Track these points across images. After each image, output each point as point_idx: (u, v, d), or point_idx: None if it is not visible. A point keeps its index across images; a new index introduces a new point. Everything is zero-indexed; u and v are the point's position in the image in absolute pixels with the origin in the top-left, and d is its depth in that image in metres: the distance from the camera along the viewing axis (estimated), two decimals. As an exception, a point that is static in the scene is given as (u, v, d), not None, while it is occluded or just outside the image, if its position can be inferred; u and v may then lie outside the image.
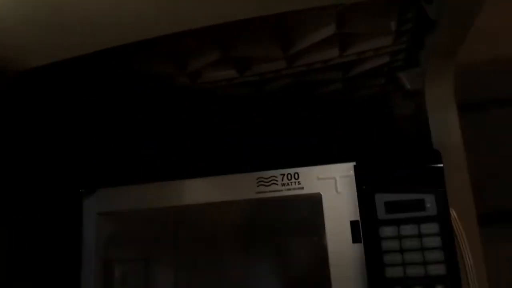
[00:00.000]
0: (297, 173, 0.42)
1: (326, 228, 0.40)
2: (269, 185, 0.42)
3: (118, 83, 0.46)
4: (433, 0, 0.32)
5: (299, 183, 0.42)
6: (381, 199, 0.38)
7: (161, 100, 0.50)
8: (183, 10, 0.28)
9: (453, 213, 0.37)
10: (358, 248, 0.39)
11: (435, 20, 0.34)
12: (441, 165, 0.38)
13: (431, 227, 0.37)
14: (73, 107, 0.45)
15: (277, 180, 0.42)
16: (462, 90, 0.44)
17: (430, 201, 0.37)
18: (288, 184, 0.42)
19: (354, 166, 0.41)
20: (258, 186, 0.43)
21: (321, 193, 0.41)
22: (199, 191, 0.44)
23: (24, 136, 0.42)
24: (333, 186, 0.41)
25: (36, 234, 0.44)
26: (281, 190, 0.42)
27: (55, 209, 0.46)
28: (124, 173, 0.49)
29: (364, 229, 0.38)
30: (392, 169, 0.39)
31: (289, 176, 0.42)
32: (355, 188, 0.40)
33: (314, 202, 0.41)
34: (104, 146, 0.49)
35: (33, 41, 0.28)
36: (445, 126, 0.41)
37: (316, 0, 0.28)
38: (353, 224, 0.39)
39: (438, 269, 0.36)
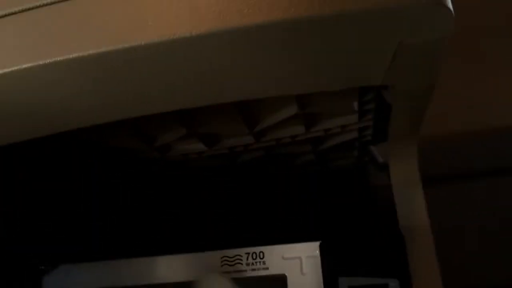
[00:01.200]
0: (262, 252, 0.41)
1: (290, 313, 0.39)
2: (234, 264, 0.41)
3: (81, 158, 0.46)
4: (387, 87, 0.33)
5: (264, 263, 0.41)
6: (344, 283, 0.37)
7: (129, 173, 0.50)
8: (136, 99, 0.28)
9: (421, 297, 0.36)
10: (324, 334, 0.37)
11: (391, 104, 0.34)
12: (404, 247, 0.37)
13: (397, 313, 0.35)
14: (34, 183, 0.44)
15: (241, 260, 0.41)
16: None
17: (394, 286, 0.35)
18: (253, 264, 0.41)
19: (320, 245, 0.40)
20: (222, 266, 0.41)
21: (286, 274, 0.40)
22: (162, 270, 0.43)
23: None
24: (298, 267, 0.40)
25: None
26: (246, 271, 0.41)
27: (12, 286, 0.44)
28: (87, 250, 0.47)
29: (329, 315, 0.37)
30: (356, 251, 0.38)
31: (254, 255, 0.41)
32: (320, 269, 0.39)
33: (279, 283, 0.40)
34: (66, 222, 0.48)
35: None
36: (410, 204, 0.40)
37: (273, 90, 0.28)
38: (318, 309, 0.38)
39: None
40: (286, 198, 0.57)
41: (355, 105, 0.40)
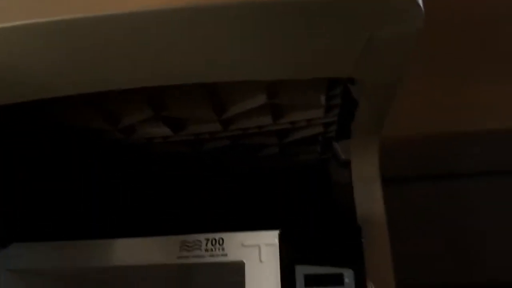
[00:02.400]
0: (221, 238, 0.41)
1: (247, 299, 0.39)
2: (192, 250, 0.41)
3: (42, 135, 0.44)
4: (354, 82, 0.34)
5: (223, 249, 0.41)
6: (301, 271, 0.37)
7: (92, 154, 0.49)
8: (114, 70, 0.27)
9: (373, 288, 0.37)
10: (278, 321, 0.38)
11: (357, 100, 0.35)
12: (361, 240, 0.38)
13: (350, 303, 0.36)
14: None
15: (200, 245, 0.41)
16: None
17: (348, 276, 0.36)
18: (212, 249, 0.41)
19: (279, 234, 0.40)
20: (180, 251, 0.41)
21: (244, 261, 0.40)
22: (118, 252, 0.42)
23: None
24: (257, 254, 0.40)
25: None
26: (204, 256, 0.41)
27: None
28: (41, 229, 0.46)
29: (284, 302, 0.37)
30: (314, 241, 0.39)
31: (213, 241, 0.41)
32: (278, 258, 0.39)
33: (238, 270, 0.40)
34: (22, 199, 0.47)
35: None
36: (369, 200, 0.41)
37: (240, 74, 0.29)
38: (274, 296, 0.38)
39: None
40: (247, 188, 0.57)
41: (322, 99, 0.41)
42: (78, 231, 0.46)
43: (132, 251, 0.42)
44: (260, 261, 0.40)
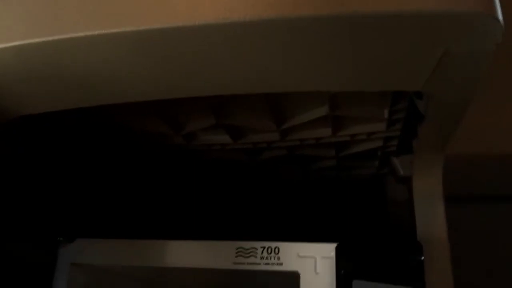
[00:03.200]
0: (277, 247, 0.42)
1: (301, 310, 0.39)
2: (248, 256, 0.42)
3: (109, 139, 0.47)
4: (422, 96, 0.33)
5: (278, 258, 0.41)
6: (358, 286, 0.37)
7: (153, 158, 0.51)
8: (183, 79, 0.29)
9: (432, 310, 0.36)
10: (332, 335, 0.37)
11: (424, 115, 0.35)
12: (422, 258, 0.37)
13: (408, 322, 0.35)
14: (61, 159, 0.45)
15: (256, 253, 0.42)
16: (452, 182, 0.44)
17: (407, 295, 0.36)
18: (267, 258, 0.41)
19: (336, 248, 0.40)
20: (236, 257, 0.42)
21: (299, 271, 0.40)
22: (177, 254, 0.43)
23: (10, 175, 0.42)
24: (312, 266, 0.40)
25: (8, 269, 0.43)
26: (259, 264, 0.41)
27: (29, 253, 0.45)
28: (105, 227, 0.48)
29: (339, 316, 0.37)
30: (373, 257, 0.38)
31: (269, 249, 0.42)
32: (334, 271, 0.39)
33: (292, 280, 0.40)
34: (89, 197, 0.49)
35: (26, 91, 0.29)
36: (431, 217, 0.40)
37: (308, 85, 0.29)
38: (329, 309, 0.38)
39: None
40: (303, 200, 0.57)
41: (386, 112, 0.41)
42: (137, 231, 0.47)
43: (189, 254, 0.43)
44: (316, 273, 0.40)
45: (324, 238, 0.42)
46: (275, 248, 0.42)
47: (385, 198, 0.59)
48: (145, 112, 0.44)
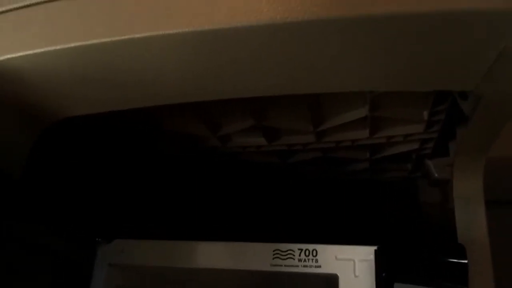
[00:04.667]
0: (315, 250, 0.41)
1: (340, 312, 0.39)
2: (286, 259, 0.41)
3: (147, 140, 0.47)
4: (468, 97, 0.33)
5: (316, 260, 0.41)
6: (400, 289, 0.36)
7: (189, 160, 0.51)
8: (235, 80, 0.29)
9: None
10: (372, 338, 0.37)
11: (468, 116, 0.34)
12: (466, 261, 0.36)
13: (451, 326, 0.35)
14: (99, 159, 0.46)
15: (294, 255, 0.41)
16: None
17: (451, 299, 0.35)
18: (305, 260, 0.41)
19: (375, 251, 0.39)
20: (273, 259, 0.42)
21: (338, 274, 0.40)
22: (214, 255, 0.43)
23: (53, 175, 0.43)
24: (351, 268, 0.40)
25: (48, 268, 0.44)
26: (297, 266, 0.41)
27: (69, 252, 0.46)
28: (143, 228, 0.49)
29: (380, 319, 0.37)
30: (415, 260, 0.38)
31: (307, 252, 0.41)
32: (374, 274, 0.39)
33: (330, 282, 0.40)
34: (127, 198, 0.50)
35: (78, 92, 0.30)
36: (471, 221, 0.40)
37: (350, 86, 0.29)
38: (369, 312, 0.38)
39: None
40: (336, 202, 0.57)
41: (425, 114, 0.40)
42: (174, 232, 0.48)
43: (226, 255, 0.43)
44: (355, 276, 0.39)
45: (358, 240, 0.41)
46: (312, 251, 0.41)
47: (417, 201, 0.58)
48: (184, 114, 0.44)
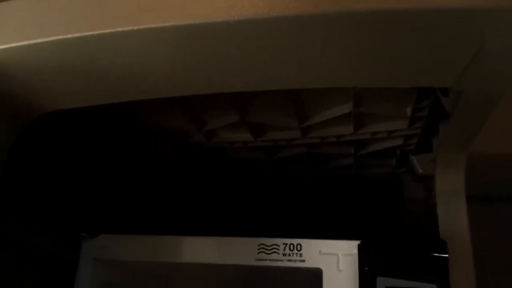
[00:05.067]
0: (299, 244, 0.42)
1: (323, 306, 0.39)
2: (270, 253, 0.42)
3: (133, 134, 0.47)
4: (448, 93, 0.33)
5: (301, 255, 0.41)
6: (382, 283, 0.37)
7: (173, 155, 0.51)
8: (218, 74, 0.29)
9: (456, 307, 0.36)
10: (355, 332, 0.38)
11: (450, 112, 0.35)
12: (446, 255, 0.37)
13: (432, 319, 0.35)
14: (83, 154, 0.46)
15: (278, 249, 0.42)
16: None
17: (432, 292, 0.36)
18: (289, 254, 0.41)
19: (359, 245, 0.40)
20: (258, 253, 0.42)
21: (322, 268, 0.40)
22: (199, 250, 0.43)
23: (35, 171, 0.43)
24: (335, 263, 0.40)
25: (33, 264, 0.44)
26: (282, 260, 0.41)
27: (53, 247, 0.46)
28: (127, 223, 0.49)
29: (362, 312, 0.37)
30: (397, 254, 0.38)
31: (291, 246, 0.42)
32: (357, 268, 0.39)
33: (314, 276, 0.40)
34: (112, 193, 0.50)
35: (62, 86, 0.30)
36: (453, 216, 0.40)
37: (341, 81, 0.29)
38: (352, 305, 0.38)
39: None
40: (321, 197, 0.58)
41: (408, 110, 0.41)
42: (158, 227, 0.48)
43: (211, 250, 0.43)
44: (339, 270, 0.40)
45: (341, 235, 0.42)
46: (297, 245, 0.42)
47: (401, 196, 0.59)
48: (168, 109, 0.44)
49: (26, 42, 0.27)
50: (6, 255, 0.41)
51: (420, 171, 0.52)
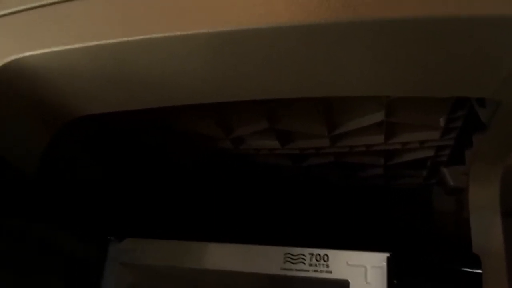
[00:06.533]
0: (326, 255, 0.41)
1: (350, 319, 0.38)
2: (296, 263, 0.41)
3: (160, 140, 0.47)
4: (486, 104, 0.32)
5: (327, 266, 0.41)
6: (412, 298, 0.36)
7: (201, 161, 0.51)
8: (243, 82, 0.29)
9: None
10: None
11: (486, 124, 0.34)
12: (480, 271, 0.36)
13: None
14: (113, 159, 0.46)
15: (305, 259, 0.41)
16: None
17: (464, 309, 0.34)
18: (316, 265, 0.41)
19: (388, 257, 0.39)
20: (284, 263, 0.41)
21: (349, 280, 0.39)
22: (225, 257, 0.43)
23: (65, 173, 0.43)
24: (363, 275, 0.39)
25: (60, 267, 0.44)
26: (308, 271, 0.41)
27: (80, 249, 0.46)
28: (154, 228, 0.49)
29: (391, 327, 0.36)
30: (428, 268, 0.37)
31: (318, 256, 0.41)
32: (386, 281, 0.38)
33: (341, 288, 0.40)
34: (139, 198, 0.50)
35: (96, 91, 0.30)
36: (487, 230, 0.39)
37: (365, 90, 0.28)
38: (380, 319, 0.37)
39: None
40: (348, 207, 0.57)
41: (442, 120, 0.40)
42: (185, 232, 0.48)
43: (237, 257, 0.43)
44: (366, 282, 0.39)
45: (370, 247, 0.41)
46: (324, 256, 0.41)
47: (431, 209, 0.58)
48: (197, 115, 0.44)
49: (63, 47, 0.27)
50: (33, 256, 0.42)
51: (452, 183, 0.51)
